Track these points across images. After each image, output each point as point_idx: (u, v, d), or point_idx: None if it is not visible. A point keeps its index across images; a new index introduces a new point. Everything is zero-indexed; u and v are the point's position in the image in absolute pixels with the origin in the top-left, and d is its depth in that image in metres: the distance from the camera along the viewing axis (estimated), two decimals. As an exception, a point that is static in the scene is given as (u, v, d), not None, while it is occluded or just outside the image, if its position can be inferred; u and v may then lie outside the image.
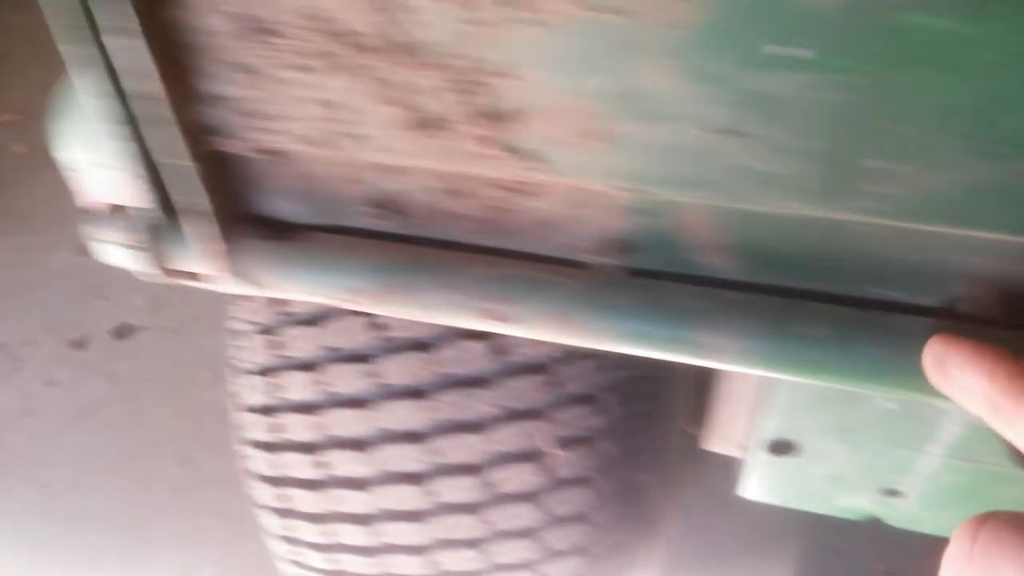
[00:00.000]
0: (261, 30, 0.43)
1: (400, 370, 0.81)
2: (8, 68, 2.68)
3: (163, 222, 0.50)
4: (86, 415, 1.84)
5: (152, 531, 1.67)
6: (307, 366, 0.84)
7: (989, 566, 0.34)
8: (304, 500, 0.89)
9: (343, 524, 0.88)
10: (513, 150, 0.45)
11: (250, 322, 0.87)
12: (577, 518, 0.86)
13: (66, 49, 0.44)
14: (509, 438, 0.81)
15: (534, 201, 0.49)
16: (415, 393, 0.81)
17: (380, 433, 0.83)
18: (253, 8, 0.42)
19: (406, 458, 0.83)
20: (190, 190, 0.49)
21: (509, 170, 0.46)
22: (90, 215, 0.55)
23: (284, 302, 0.85)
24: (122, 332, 1.98)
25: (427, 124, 0.45)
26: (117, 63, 0.44)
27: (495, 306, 0.51)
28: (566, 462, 0.82)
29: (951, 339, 0.44)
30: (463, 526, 0.85)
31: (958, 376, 0.42)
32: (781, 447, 0.78)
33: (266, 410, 0.88)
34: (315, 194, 0.53)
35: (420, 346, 0.80)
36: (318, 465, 0.86)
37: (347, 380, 0.82)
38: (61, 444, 1.80)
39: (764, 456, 0.79)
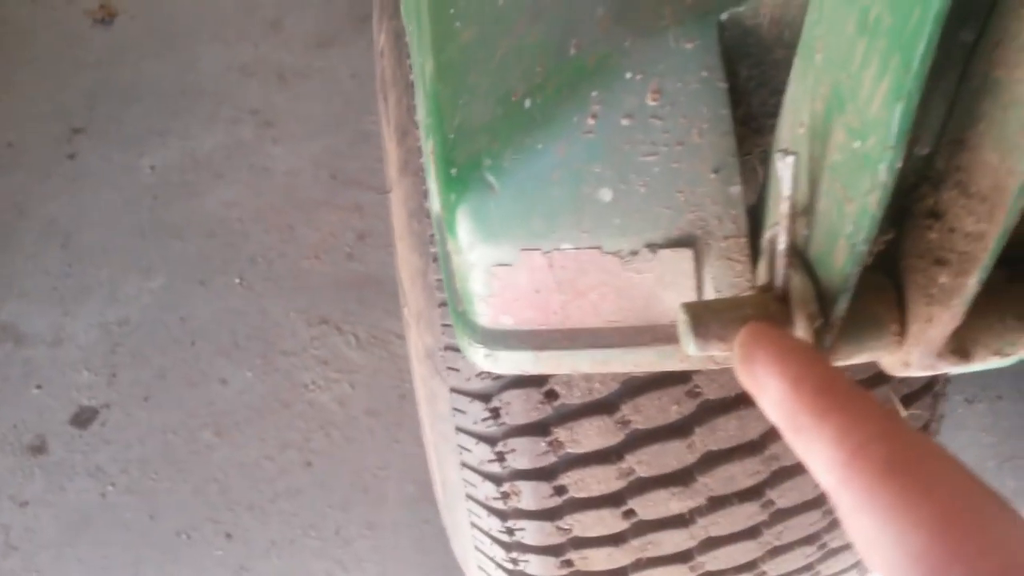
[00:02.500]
0: None
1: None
2: None
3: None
4: (86, 526, 1.57)
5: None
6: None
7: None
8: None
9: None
10: None
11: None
12: None
13: None
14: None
15: None
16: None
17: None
18: None
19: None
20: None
21: None
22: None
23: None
24: (83, 418, 1.68)
25: None
26: None
27: None
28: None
29: (761, 331, 0.36)
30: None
31: (763, 378, 0.34)
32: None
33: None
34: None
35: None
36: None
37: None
38: (70, 571, 1.54)
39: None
